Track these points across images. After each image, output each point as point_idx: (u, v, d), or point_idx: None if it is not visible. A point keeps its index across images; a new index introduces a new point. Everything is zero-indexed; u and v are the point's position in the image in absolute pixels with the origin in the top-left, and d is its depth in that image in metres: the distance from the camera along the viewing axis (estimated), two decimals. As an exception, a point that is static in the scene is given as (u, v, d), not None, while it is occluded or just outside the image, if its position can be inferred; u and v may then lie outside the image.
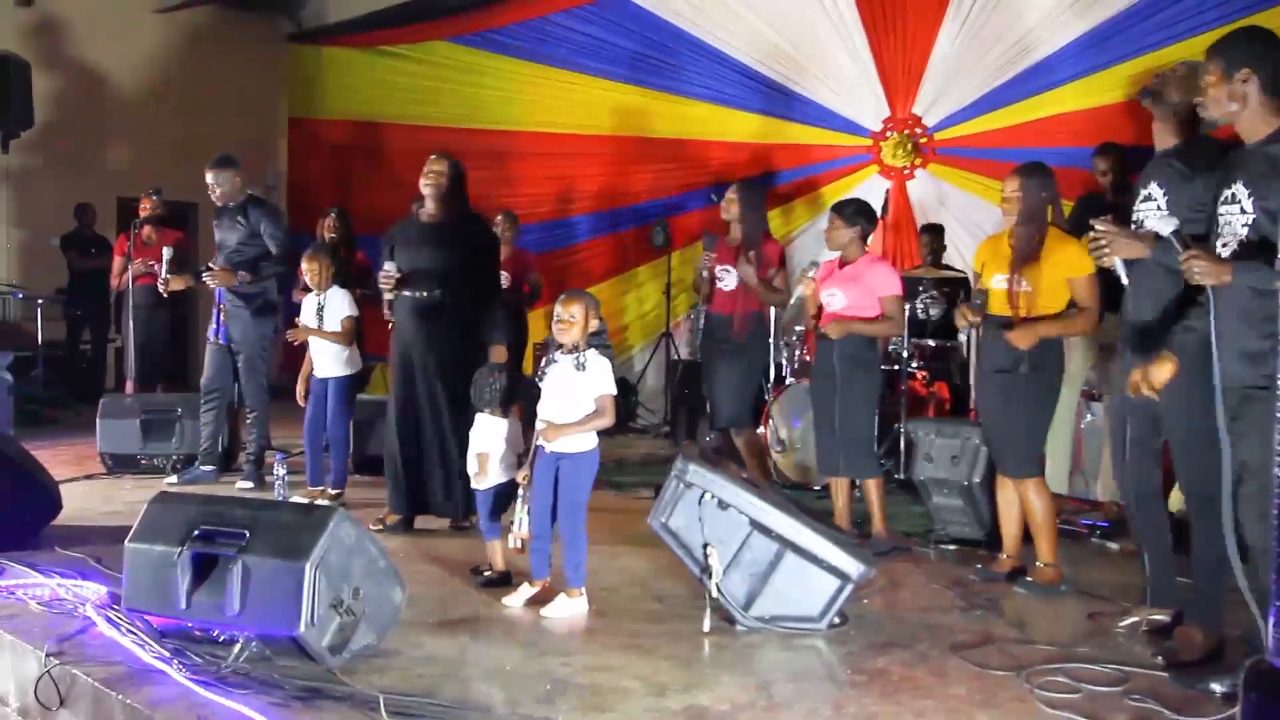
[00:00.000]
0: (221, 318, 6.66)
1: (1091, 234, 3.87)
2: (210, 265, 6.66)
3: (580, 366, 4.15)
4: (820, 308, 5.41)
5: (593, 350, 4.19)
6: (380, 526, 5.42)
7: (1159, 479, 3.99)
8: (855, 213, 5.40)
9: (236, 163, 6.78)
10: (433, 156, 5.59)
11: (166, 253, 7.13)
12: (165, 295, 7.26)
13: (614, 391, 4.20)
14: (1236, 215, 3.33)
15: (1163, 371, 3.56)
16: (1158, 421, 3.85)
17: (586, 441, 4.21)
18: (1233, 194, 3.36)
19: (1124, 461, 4.03)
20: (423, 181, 5.51)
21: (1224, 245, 3.37)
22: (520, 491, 4.31)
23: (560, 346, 4.21)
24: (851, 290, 5.30)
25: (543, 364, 4.27)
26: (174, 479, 6.66)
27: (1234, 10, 6.70)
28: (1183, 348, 3.73)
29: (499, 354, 5.34)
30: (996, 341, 4.63)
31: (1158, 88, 3.94)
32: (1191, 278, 3.29)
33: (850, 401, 5.26)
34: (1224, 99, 3.36)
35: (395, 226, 5.75)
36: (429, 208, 5.57)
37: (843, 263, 5.41)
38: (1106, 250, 3.82)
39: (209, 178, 6.65)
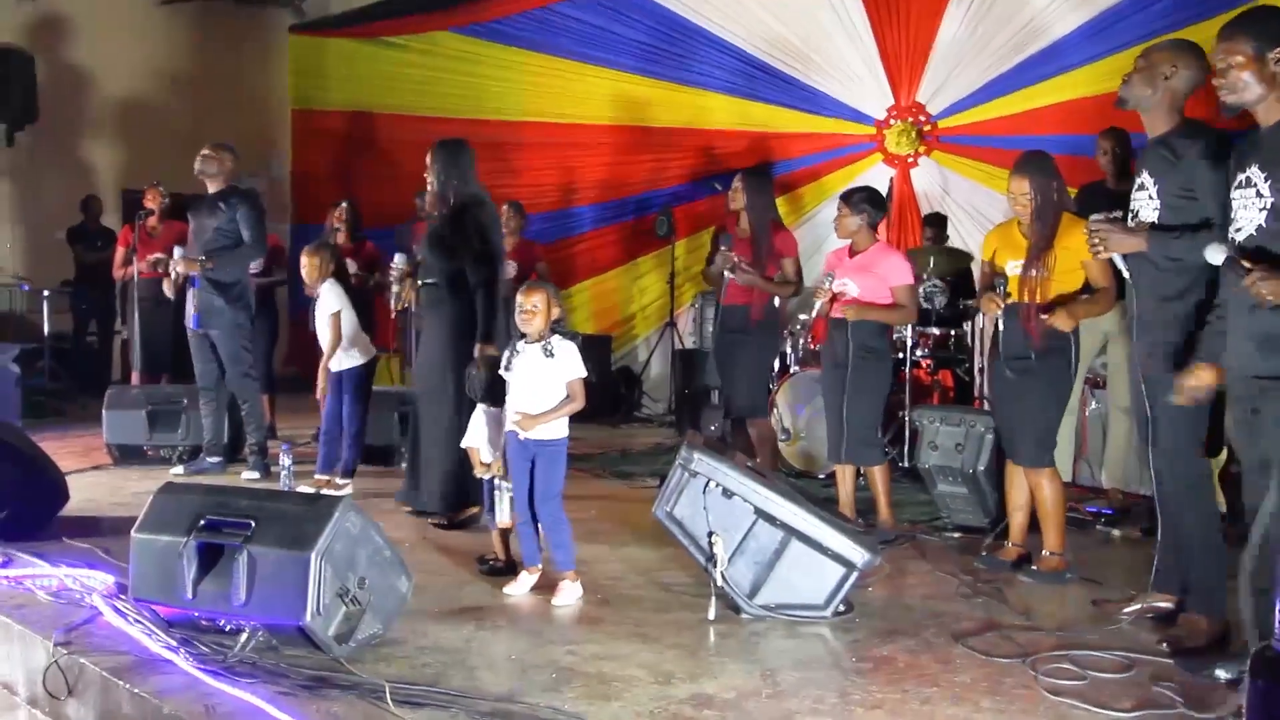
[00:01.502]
0: (194, 303, 6.66)
1: (1088, 231, 3.85)
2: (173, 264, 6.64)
3: (549, 353, 4.17)
4: (833, 298, 5.38)
5: (557, 336, 4.21)
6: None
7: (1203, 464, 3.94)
8: (862, 200, 5.38)
9: (233, 150, 6.81)
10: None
11: (177, 251, 6.79)
12: (172, 293, 6.92)
13: (583, 374, 4.21)
14: (1252, 200, 3.24)
15: (1204, 379, 3.47)
16: (1148, 403, 3.83)
17: (559, 429, 4.22)
18: (1247, 178, 3.27)
19: (1149, 444, 3.99)
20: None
21: (1238, 230, 3.30)
22: (496, 481, 4.35)
23: (524, 337, 4.23)
24: (863, 279, 5.27)
25: (506, 356, 4.29)
26: (180, 470, 6.68)
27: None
28: (1183, 325, 3.71)
29: (482, 352, 5.23)
30: (1014, 329, 4.61)
31: (1125, 94, 3.90)
32: (1263, 302, 3.12)
33: (858, 390, 5.24)
34: (1255, 82, 3.22)
35: None
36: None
37: (852, 251, 5.40)
38: (1101, 248, 3.80)
39: (204, 150, 6.67)
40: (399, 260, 5.78)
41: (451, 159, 5.56)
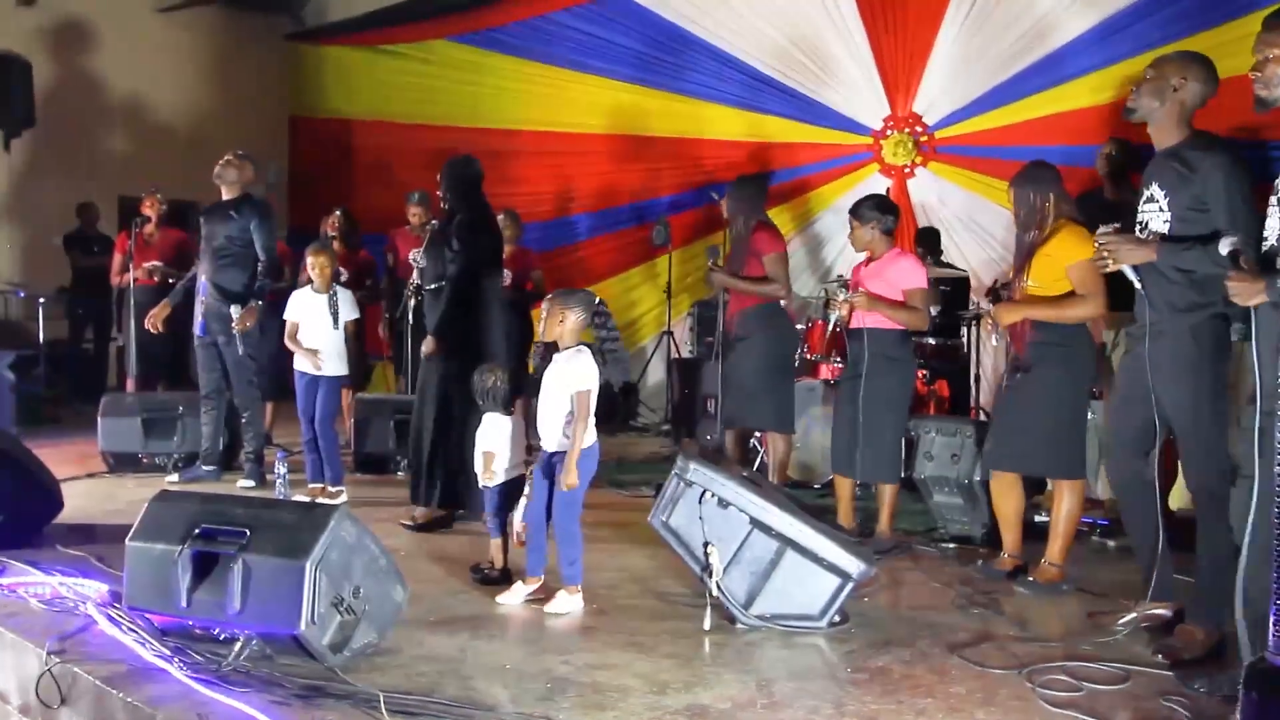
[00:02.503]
0: (202, 311, 6.65)
1: (1096, 244, 3.84)
2: (233, 313, 6.60)
3: (560, 363, 4.21)
4: (851, 309, 5.36)
5: (577, 348, 4.22)
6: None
7: (1150, 473, 3.91)
8: (871, 209, 5.36)
9: (255, 161, 6.89)
10: None
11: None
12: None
13: (588, 387, 4.17)
14: (1274, 209, 3.23)
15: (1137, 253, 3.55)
16: (1157, 416, 3.82)
17: (583, 439, 4.21)
18: (1274, 186, 3.25)
19: (1112, 454, 4.00)
20: None
21: (1262, 240, 3.29)
22: (527, 490, 4.34)
23: (554, 346, 4.28)
24: (875, 285, 5.25)
25: (540, 363, 4.35)
26: (175, 478, 6.66)
27: (1241, 6, 6.67)
28: (1197, 337, 3.71)
29: (428, 344, 5.58)
30: (1011, 340, 4.62)
31: (1134, 102, 3.90)
32: (1232, 298, 3.17)
33: (877, 402, 5.19)
34: None
35: None
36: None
37: (869, 260, 5.40)
38: (1110, 260, 3.79)
39: (227, 155, 6.73)
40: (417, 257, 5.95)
41: (455, 174, 5.70)
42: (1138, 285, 3.85)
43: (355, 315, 6.31)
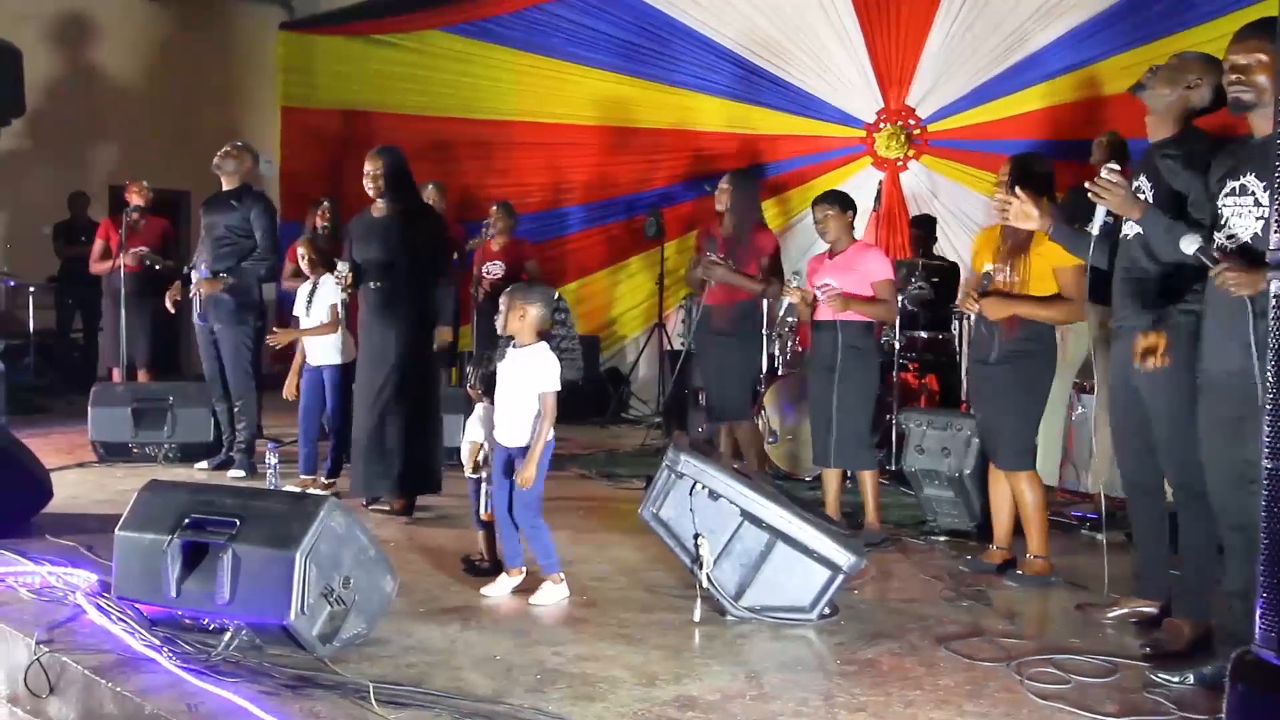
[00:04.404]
0: (201, 299, 6.66)
1: (1100, 175, 3.77)
2: (191, 270, 6.67)
3: (515, 360, 4.21)
4: (816, 301, 5.37)
5: (535, 345, 4.21)
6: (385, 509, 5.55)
7: (1158, 469, 3.95)
8: (839, 200, 5.38)
9: (254, 152, 6.91)
10: (368, 155, 5.74)
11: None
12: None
13: (555, 387, 4.16)
14: (1249, 208, 3.23)
15: (1150, 342, 3.54)
16: (1138, 411, 3.84)
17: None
18: (1242, 185, 3.26)
19: (1119, 451, 4.01)
20: (364, 182, 5.72)
21: (1229, 238, 3.30)
22: (482, 484, 4.38)
23: (511, 339, 4.28)
24: (845, 278, 5.26)
25: (498, 356, 4.34)
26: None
27: (1225, 5, 6.70)
28: (1175, 332, 3.73)
29: (444, 334, 5.68)
30: (987, 332, 4.63)
31: (1149, 82, 3.92)
32: (1228, 292, 3.13)
33: (848, 392, 5.23)
34: (1269, 86, 3.13)
35: (353, 220, 5.97)
36: (376, 203, 5.78)
37: (832, 253, 5.40)
38: (1104, 195, 3.67)
39: (225, 146, 6.74)
40: (342, 268, 5.83)
41: (396, 164, 5.71)
42: (1094, 232, 3.80)
43: (335, 300, 6.22)
